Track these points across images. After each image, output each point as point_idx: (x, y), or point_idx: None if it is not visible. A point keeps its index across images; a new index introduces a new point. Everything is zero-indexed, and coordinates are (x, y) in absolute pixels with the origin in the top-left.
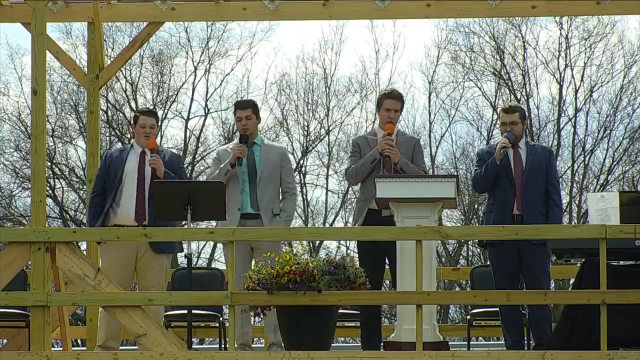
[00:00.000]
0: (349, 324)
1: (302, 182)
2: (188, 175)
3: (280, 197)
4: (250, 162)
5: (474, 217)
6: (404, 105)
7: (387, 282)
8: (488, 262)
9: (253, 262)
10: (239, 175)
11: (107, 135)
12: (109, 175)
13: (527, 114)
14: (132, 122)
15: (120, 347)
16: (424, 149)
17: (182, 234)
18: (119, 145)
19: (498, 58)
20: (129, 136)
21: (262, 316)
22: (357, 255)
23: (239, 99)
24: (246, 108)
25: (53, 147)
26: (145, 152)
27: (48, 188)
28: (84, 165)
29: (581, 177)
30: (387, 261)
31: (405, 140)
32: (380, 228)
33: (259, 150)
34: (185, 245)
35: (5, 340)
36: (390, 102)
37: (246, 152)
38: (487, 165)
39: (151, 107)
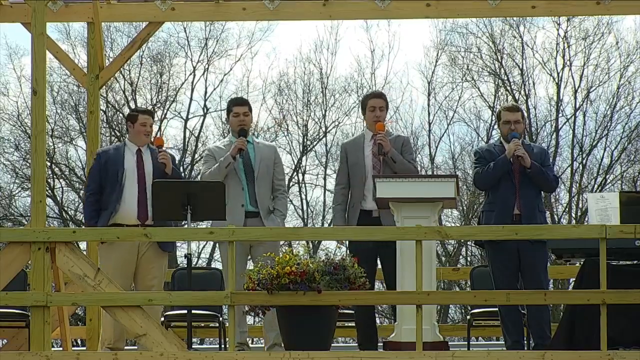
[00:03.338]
0: (349, 324)
1: (301, 182)
2: (185, 174)
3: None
4: (246, 159)
5: (474, 217)
6: (388, 103)
7: (379, 282)
8: (487, 262)
9: (249, 262)
10: (237, 172)
11: (107, 135)
12: (107, 174)
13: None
14: (129, 120)
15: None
16: (423, 147)
17: (182, 234)
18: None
19: (496, 58)
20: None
21: (261, 316)
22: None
23: (234, 97)
24: (244, 105)
25: (52, 147)
26: (142, 150)
27: (47, 188)
28: (83, 165)
29: (580, 177)
30: (379, 262)
31: (394, 139)
32: (380, 228)
33: (252, 147)
34: (185, 245)
35: (5, 340)
36: (374, 100)
37: (246, 145)
38: (499, 162)
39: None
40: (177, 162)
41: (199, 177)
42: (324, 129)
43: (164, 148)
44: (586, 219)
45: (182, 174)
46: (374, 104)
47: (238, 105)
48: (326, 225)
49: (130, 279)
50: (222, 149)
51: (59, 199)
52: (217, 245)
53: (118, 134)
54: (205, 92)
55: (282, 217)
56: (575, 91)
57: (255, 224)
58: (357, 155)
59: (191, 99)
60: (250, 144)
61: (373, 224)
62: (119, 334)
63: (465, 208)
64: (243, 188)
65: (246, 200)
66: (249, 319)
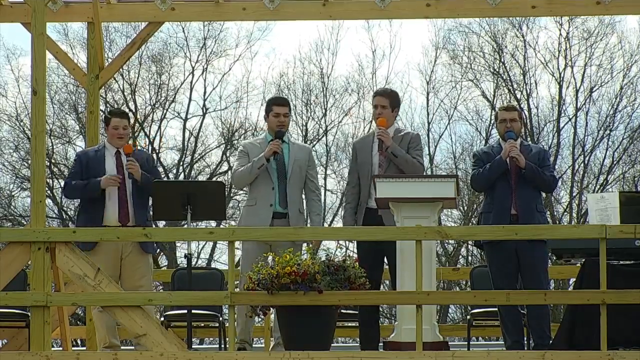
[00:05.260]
0: (349, 324)
1: None
2: (185, 174)
3: (304, 196)
4: (280, 160)
5: (474, 216)
6: (394, 100)
7: (387, 282)
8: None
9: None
10: (269, 172)
11: (106, 135)
12: (89, 175)
13: (525, 114)
14: (104, 123)
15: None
16: (423, 147)
17: (182, 234)
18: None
19: (497, 57)
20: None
21: (262, 316)
22: (356, 256)
23: (275, 95)
24: (285, 105)
25: (51, 147)
26: (121, 152)
27: (47, 188)
28: None
29: (581, 177)
30: (386, 261)
31: (402, 135)
32: (380, 228)
33: (287, 148)
34: (185, 245)
35: (5, 340)
36: (376, 99)
37: (281, 148)
38: (494, 164)
39: (123, 109)
40: (155, 162)
41: (200, 177)
42: (323, 129)
43: (134, 153)
44: (586, 219)
45: (159, 174)
46: (375, 102)
47: (279, 105)
48: (326, 225)
49: (115, 280)
50: (256, 145)
51: (58, 199)
52: (219, 245)
53: None
54: (204, 92)
55: (319, 217)
56: (577, 91)
57: (281, 225)
58: (365, 154)
59: (190, 99)
60: (285, 144)
61: (378, 222)
62: (112, 331)
63: (465, 208)
64: (273, 188)
65: (276, 200)
66: None
